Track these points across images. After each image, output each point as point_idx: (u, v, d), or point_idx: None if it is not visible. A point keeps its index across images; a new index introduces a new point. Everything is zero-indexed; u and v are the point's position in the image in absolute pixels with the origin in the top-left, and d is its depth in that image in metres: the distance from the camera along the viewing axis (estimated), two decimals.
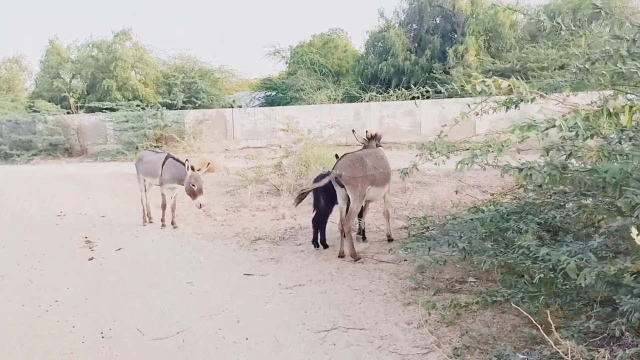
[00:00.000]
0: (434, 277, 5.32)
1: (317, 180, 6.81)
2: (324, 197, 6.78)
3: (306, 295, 5.17)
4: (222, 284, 5.70)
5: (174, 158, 8.73)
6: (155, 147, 23.33)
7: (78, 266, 6.71)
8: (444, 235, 5.20)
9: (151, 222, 9.30)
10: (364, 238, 7.23)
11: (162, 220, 8.91)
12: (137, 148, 23.30)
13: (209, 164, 9.06)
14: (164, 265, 6.60)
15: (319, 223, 6.95)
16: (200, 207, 8.20)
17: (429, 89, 5.45)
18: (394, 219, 8.21)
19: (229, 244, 7.47)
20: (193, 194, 8.14)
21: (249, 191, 10.86)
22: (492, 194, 6.74)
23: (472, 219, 4.90)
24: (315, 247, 6.92)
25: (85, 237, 8.32)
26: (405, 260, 5.98)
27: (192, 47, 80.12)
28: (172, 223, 8.81)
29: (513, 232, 4.49)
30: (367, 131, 7.70)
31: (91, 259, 7.05)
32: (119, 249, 7.50)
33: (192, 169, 8.22)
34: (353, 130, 8.08)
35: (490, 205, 5.52)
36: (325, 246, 6.87)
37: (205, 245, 7.47)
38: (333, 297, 5.08)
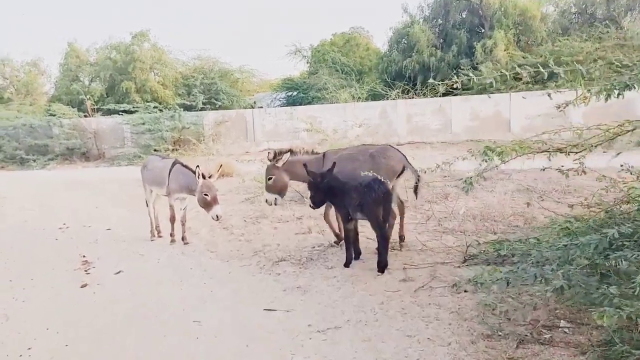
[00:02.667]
0: (510, 319, 4.07)
1: (370, 185, 5.57)
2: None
3: (345, 344, 3.97)
4: (237, 324, 4.54)
5: (182, 164, 7.63)
6: (173, 150, 22.49)
7: (67, 296, 5.61)
8: (522, 262, 3.98)
9: (160, 237, 8.21)
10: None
11: (172, 234, 7.81)
12: (155, 150, 22.43)
13: (221, 166, 7.90)
14: (168, 295, 5.46)
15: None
16: (217, 219, 7.09)
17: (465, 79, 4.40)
18: (441, 233, 6.99)
19: (246, 266, 6.31)
20: (207, 205, 7.03)
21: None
22: (571, 206, 5.46)
23: (565, 245, 3.66)
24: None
25: (84, 256, 7.24)
26: (465, 290, 4.75)
27: (211, 48, 79.85)
28: (183, 239, 7.71)
29: (630, 265, 3.27)
30: (268, 152, 7.17)
31: (84, 285, 5.94)
32: (119, 272, 6.40)
33: (204, 177, 7.11)
34: (268, 153, 7.14)
35: (583, 223, 4.28)
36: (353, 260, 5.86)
37: (219, 268, 6.33)
38: (381, 348, 3.86)
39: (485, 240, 5.88)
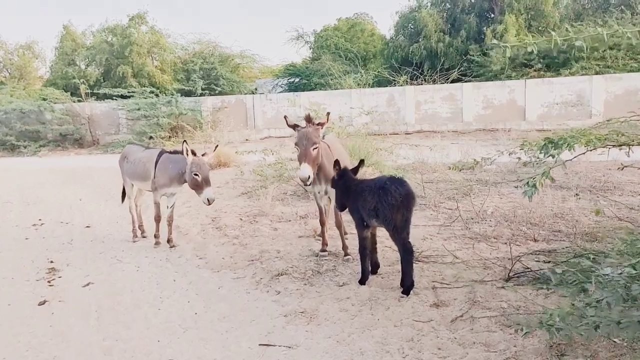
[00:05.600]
0: None
1: (386, 186, 4.48)
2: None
3: None
4: None
5: (170, 152, 6.60)
6: (169, 137, 21.40)
7: (19, 318, 4.57)
8: (606, 292, 2.93)
9: (144, 237, 7.18)
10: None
11: (156, 235, 6.76)
12: (150, 138, 21.40)
13: (216, 146, 6.84)
14: (143, 318, 4.42)
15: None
16: (209, 203, 6.04)
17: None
18: (471, 239, 5.93)
19: (240, 279, 5.25)
20: (197, 186, 6.01)
21: (269, 193, 8.65)
22: None
23: None
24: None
25: (51, 262, 6.22)
26: (518, 324, 3.69)
27: (211, 32, 78.30)
28: (169, 241, 6.66)
29: None
30: (306, 113, 5.58)
31: (43, 302, 4.91)
32: (87, 285, 5.35)
33: (194, 153, 6.09)
34: (285, 117, 5.75)
35: None
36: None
37: (208, 281, 5.27)
38: None
39: (531, 251, 4.85)
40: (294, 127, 5.29)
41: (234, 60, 31.23)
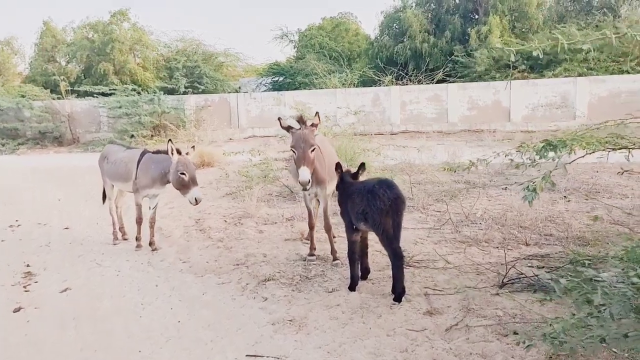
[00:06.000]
0: None
1: (374, 190, 4.33)
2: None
3: None
4: None
5: (153, 152, 6.39)
6: (152, 136, 21.05)
7: None
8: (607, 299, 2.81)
9: (125, 239, 6.97)
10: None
11: (138, 238, 6.53)
12: (132, 136, 21.04)
13: (193, 146, 6.60)
14: (122, 326, 4.21)
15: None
16: (196, 203, 5.86)
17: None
18: (462, 243, 5.80)
19: (225, 284, 5.07)
20: (184, 186, 5.82)
21: (254, 194, 8.46)
22: None
23: None
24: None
25: (28, 266, 5.97)
26: (516, 333, 3.57)
27: (195, 29, 77.62)
28: (151, 244, 6.44)
29: None
30: (298, 116, 5.26)
31: (18, 309, 4.67)
32: (65, 290, 5.13)
33: (179, 152, 5.92)
34: (279, 119, 5.50)
35: None
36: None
37: (191, 286, 5.08)
38: None
39: (523, 256, 4.75)
40: (288, 129, 5.12)
41: (217, 59, 30.88)
